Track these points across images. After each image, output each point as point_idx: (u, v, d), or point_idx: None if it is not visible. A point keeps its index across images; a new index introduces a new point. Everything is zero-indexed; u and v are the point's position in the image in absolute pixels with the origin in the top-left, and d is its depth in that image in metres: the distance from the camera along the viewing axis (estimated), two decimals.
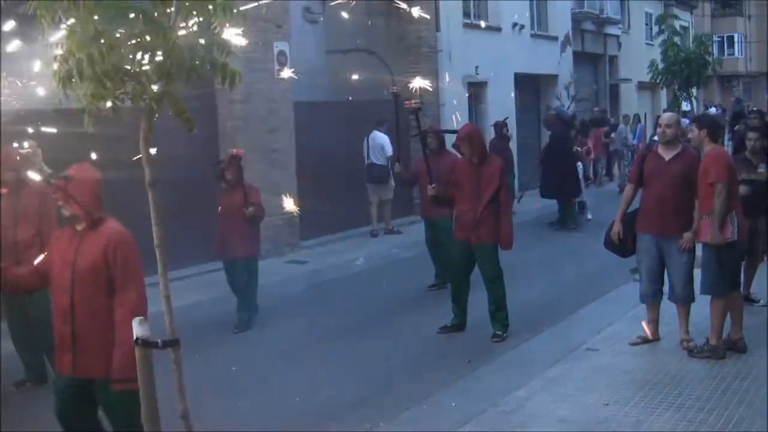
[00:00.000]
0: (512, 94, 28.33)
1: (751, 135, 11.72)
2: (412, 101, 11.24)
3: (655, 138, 10.63)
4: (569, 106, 24.95)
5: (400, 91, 12.21)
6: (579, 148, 23.46)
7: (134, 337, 5.60)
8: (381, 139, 19.67)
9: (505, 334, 11.20)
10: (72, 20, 4.93)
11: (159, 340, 5.56)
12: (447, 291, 12.40)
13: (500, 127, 22.91)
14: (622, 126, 33.10)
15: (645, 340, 10.22)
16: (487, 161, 11.27)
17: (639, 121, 33.49)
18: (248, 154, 16.24)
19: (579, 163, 22.60)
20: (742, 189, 10.68)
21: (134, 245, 6.24)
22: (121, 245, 6.14)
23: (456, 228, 11.45)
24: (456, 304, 11.64)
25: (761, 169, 11.35)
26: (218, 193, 12.41)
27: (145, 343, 5.56)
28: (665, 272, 10.11)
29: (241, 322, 12.19)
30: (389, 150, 19.28)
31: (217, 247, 12.43)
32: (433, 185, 11.48)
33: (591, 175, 27.10)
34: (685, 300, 9.97)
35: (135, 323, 5.56)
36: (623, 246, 10.32)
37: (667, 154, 9.93)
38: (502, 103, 26.89)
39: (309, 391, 9.45)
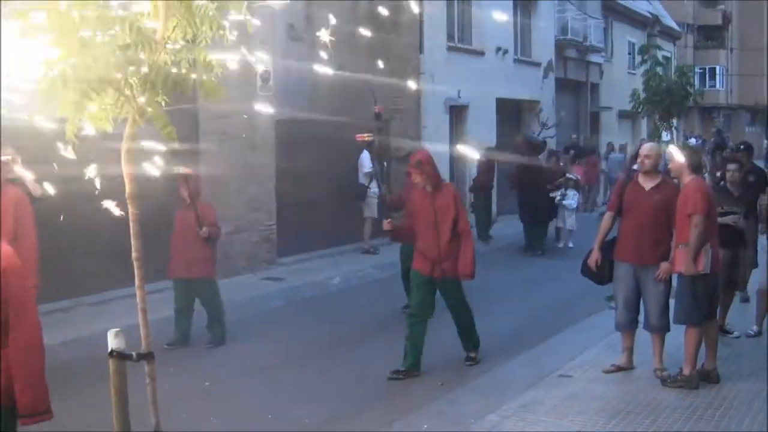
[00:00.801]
0: (494, 119, 28.45)
1: (731, 166, 11.80)
2: (365, 134, 10.94)
3: (635, 167, 10.67)
4: (539, 133, 25.08)
5: (382, 111, 12.11)
6: (575, 176, 23.45)
7: (37, 369, 5.47)
8: (364, 156, 19.75)
9: (478, 357, 11.15)
10: (58, 29, 4.93)
11: (134, 353, 5.54)
12: None
13: (487, 155, 22.99)
14: (617, 154, 33.36)
15: (619, 368, 10.23)
16: (442, 189, 10.72)
17: (612, 148, 33.90)
18: (228, 170, 16.26)
19: (574, 192, 22.53)
20: (734, 218, 10.79)
21: (26, 274, 5.69)
22: (12, 276, 5.21)
23: (417, 261, 10.90)
24: (411, 343, 10.69)
25: (740, 220, 11.45)
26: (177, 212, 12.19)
27: (120, 356, 5.53)
28: (641, 301, 10.14)
29: (215, 338, 12.14)
30: (367, 166, 19.35)
31: (171, 266, 12.25)
32: (389, 220, 11.04)
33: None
34: (660, 329, 9.98)
35: (110, 335, 5.54)
36: (600, 274, 10.34)
37: (647, 184, 9.97)
38: (483, 127, 27.00)
39: (280, 409, 9.42)
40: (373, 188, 18.80)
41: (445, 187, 10.90)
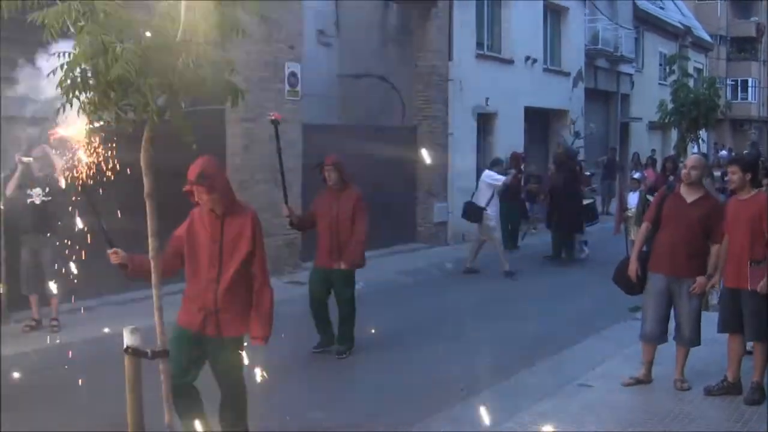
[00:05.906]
0: (522, 127, 28.43)
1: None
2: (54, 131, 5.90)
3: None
4: (573, 142, 24.99)
5: (279, 118, 11.24)
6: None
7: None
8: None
9: None
10: (80, 31, 4.98)
11: (149, 350, 5.60)
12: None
13: (517, 159, 22.92)
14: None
15: (638, 381, 10.14)
16: (236, 213, 7.30)
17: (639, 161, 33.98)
18: (254, 173, 16.32)
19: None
20: None
21: None
22: None
23: (183, 313, 7.28)
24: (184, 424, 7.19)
25: None
26: None
27: (135, 353, 5.60)
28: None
29: None
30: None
31: None
32: (113, 250, 6.63)
33: None
34: (691, 343, 9.94)
35: (126, 332, 5.60)
36: (634, 283, 10.23)
37: (689, 197, 9.85)
38: (511, 136, 27.00)
39: (299, 411, 9.43)
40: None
41: (242, 209, 7.47)
